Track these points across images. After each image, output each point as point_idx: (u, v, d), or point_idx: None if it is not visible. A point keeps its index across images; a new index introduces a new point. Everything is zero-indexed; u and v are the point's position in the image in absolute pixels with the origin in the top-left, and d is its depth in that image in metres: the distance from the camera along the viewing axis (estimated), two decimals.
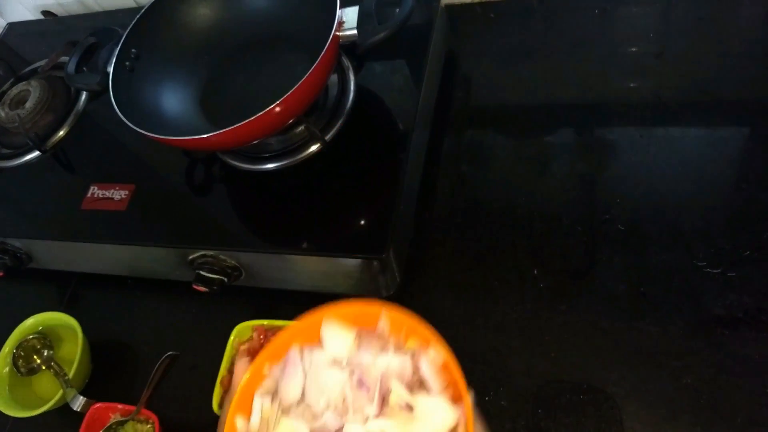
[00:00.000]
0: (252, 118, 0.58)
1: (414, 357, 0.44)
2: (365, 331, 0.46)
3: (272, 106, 0.59)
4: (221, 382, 0.68)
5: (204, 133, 0.61)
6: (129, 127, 0.64)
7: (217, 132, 0.60)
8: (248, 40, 0.76)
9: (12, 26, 1.14)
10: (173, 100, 0.73)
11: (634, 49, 0.79)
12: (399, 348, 0.45)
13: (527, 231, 0.71)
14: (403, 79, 0.77)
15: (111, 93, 0.67)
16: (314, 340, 0.47)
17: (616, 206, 0.69)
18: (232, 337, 0.69)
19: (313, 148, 0.71)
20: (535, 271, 0.68)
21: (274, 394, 0.45)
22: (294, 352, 0.46)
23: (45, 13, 1.12)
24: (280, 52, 0.75)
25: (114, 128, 0.85)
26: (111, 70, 0.69)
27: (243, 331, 0.70)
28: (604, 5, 0.83)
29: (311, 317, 0.47)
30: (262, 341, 0.68)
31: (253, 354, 0.51)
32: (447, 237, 0.73)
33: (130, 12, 1.04)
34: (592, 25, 0.83)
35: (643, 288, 0.64)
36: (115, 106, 0.66)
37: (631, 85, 0.76)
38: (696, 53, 0.77)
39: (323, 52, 0.60)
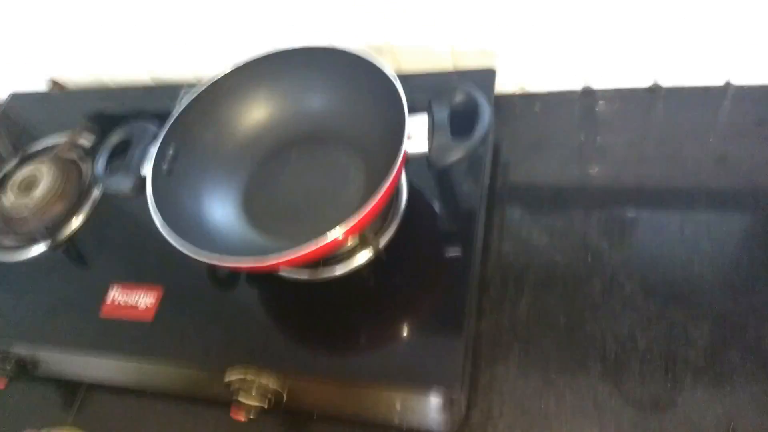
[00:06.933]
0: (317, 246, 0.52)
1: None
2: None
3: (338, 234, 0.53)
4: None
5: (254, 246, 0.57)
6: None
7: (277, 256, 0.53)
8: (295, 137, 0.71)
9: (15, 97, 1.07)
10: (215, 204, 0.66)
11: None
12: None
13: (600, 351, 0.65)
14: (458, 174, 0.72)
15: (151, 201, 0.60)
16: None
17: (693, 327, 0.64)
18: None
19: (366, 255, 0.66)
20: (613, 401, 0.62)
21: None
22: None
23: (53, 82, 1.05)
24: (328, 150, 0.70)
25: (137, 220, 0.78)
26: (149, 173, 0.62)
27: None
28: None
29: None
30: None
31: None
32: (510, 353, 0.67)
33: (145, 91, 0.98)
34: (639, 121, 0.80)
35: (733, 423, 0.59)
36: (157, 217, 0.59)
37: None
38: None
39: (393, 172, 0.55)
